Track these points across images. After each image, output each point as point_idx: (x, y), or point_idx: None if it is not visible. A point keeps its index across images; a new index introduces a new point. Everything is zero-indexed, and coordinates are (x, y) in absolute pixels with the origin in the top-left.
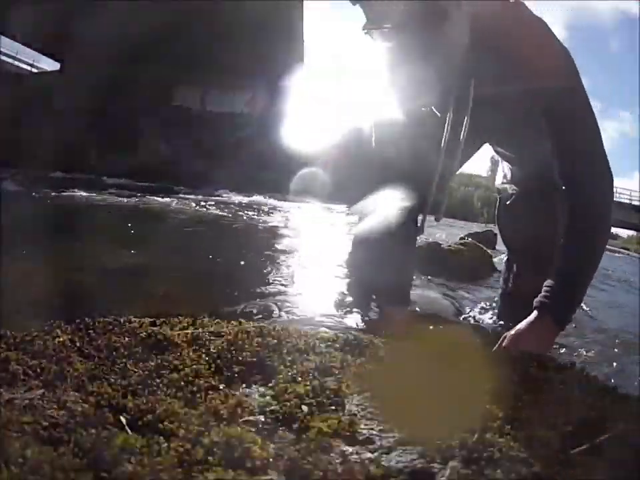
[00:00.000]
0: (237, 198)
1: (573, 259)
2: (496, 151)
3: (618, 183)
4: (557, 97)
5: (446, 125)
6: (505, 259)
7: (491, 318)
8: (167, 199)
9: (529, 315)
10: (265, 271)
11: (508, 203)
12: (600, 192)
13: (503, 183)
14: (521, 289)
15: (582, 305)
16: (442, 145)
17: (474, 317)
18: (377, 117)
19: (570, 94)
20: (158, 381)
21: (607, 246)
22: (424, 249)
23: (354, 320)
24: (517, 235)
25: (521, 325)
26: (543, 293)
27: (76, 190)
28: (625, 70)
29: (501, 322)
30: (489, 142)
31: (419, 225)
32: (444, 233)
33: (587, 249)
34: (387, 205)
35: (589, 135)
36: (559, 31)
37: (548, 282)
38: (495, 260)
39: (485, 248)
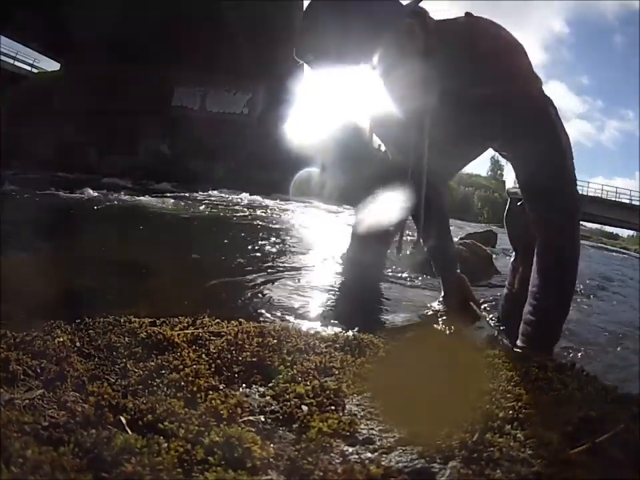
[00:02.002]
0: (236, 198)
1: (549, 307)
2: (502, 156)
3: (618, 182)
4: (514, 113)
5: (424, 135)
6: (512, 260)
7: (493, 318)
8: (167, 199)
9: None
10: (265, 270)
11: (518, 204)
12: (568, 229)
13: (513, 187)
14: (527, 290)
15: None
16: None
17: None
18: (375, 115)
19: (526, 110)
20: (158, 380)
21: (607, 246)
22: (424, 249)
23: (354, 319)
24: (525, 238)
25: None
26: (522, 338)
27: (76, 190)
28: (628, 68)
29: (505, 322)
30: (492, 147)
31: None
32: None
33: (562, 293)
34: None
35: (549, 150)
36: (561, 27)
37: (524, 328)
38: (495, 260)
39: (485, 248)
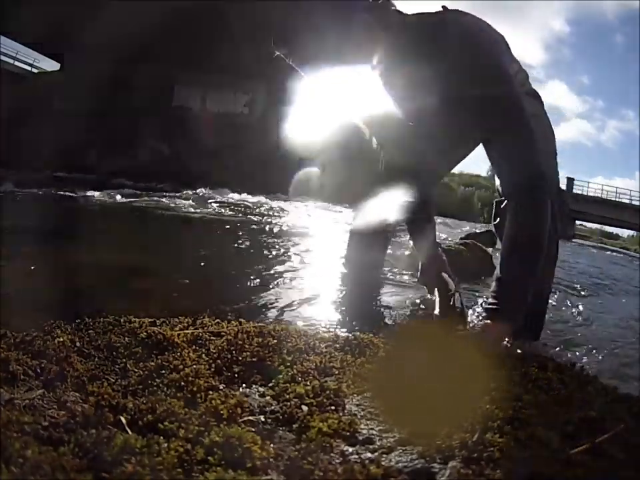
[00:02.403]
0: (236, 198)
1: (515, 268)
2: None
3: (618, 182)
4: (490, 113)
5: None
6: None
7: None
8: (167, 199)
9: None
10: (265, 270)
11: (502, 205)
12: (533, 204)
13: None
14: None
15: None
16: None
17: (473, 317)
18: (372, 114)
19: (502, 110)
20: (158, 380)
21: (607, 246)
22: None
23: (355, 319)
24: None
25: (479, 330)
26: (491, 294)
27: (76, 190)
28: (629, 68)
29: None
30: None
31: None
32: (444, 233)
33: (526, 258)
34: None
35: (523, 148)
36: (561, 27)
37: (493, 286)
38: (495, 260)
39: (485, 248)
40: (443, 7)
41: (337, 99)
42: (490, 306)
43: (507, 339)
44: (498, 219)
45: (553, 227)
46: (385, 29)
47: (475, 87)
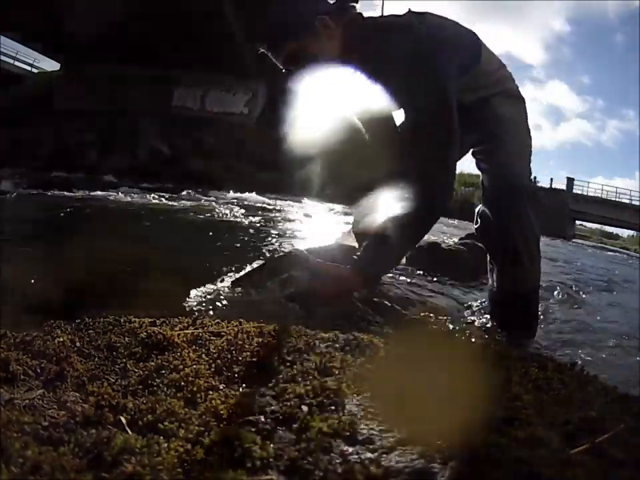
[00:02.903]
0: (236, 197)
1: (383, 237)
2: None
3: (618, 182)
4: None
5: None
6: (488, 259)
7: (487, 317)
8: (167, 199)
9: (513, 313)
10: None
11: (483, 210)
12: (425, 193)
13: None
14: (502, 287)
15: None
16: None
17: (473, 317)
18: (367, 112)
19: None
20: (158, 380)
21: (607, 246)
22: (424, 248)
23: (355, 319)
24: (494, 240)
25: (341, 269)
26: (359, 254)
27: (76, 190)
28: (629, 68)
29: (492, 319)
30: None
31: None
32: (445, 232)
33: (398, 226)
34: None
35: (430, 145)
36: (561, 26)
37: (364, 246)
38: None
39: (485, 248)
40: (409, 9)
41: (335, 98)
42: (356, 256)
43: (354, 291)
44: (482, 226)
45: (529, 225)
46: (345, 32)
47: (411, 96)
